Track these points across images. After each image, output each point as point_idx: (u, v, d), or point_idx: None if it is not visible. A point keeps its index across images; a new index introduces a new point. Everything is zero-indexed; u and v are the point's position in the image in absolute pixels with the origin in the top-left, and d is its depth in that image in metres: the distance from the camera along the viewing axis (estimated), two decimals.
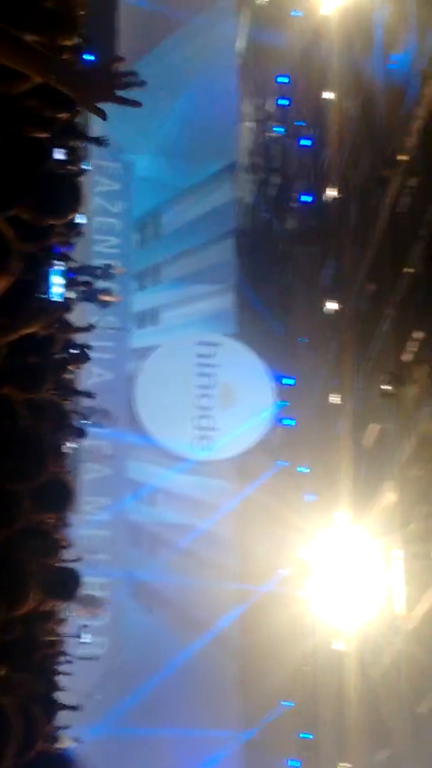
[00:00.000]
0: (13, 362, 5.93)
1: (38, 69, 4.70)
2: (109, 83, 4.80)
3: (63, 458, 13.06)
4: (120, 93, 4.88)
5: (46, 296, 6.52)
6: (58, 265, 6.32)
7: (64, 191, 6.12)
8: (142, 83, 5.19)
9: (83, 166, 19.48)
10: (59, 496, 7.97)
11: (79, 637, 24.56)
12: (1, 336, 4.74)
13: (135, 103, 4.97)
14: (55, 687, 13.60)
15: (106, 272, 31.59)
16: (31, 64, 4.71)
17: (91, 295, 30.92)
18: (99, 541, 32.60)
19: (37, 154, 6.97)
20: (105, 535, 33.01)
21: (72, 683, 21.71)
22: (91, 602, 31.46)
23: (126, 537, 34.07)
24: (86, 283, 29.46)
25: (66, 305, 13.80)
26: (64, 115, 8.07)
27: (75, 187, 6.32)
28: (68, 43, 13.72)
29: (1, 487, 5.25)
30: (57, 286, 6.26)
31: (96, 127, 31.38)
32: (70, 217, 6.33)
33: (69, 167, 11.43)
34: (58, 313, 6.83)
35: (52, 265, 6.40)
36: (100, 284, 31.62)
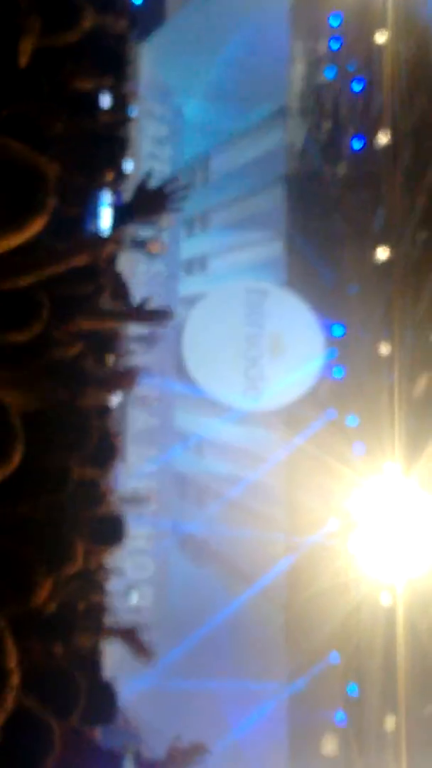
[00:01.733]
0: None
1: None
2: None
3: (109, 414, 12.91)
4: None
5: (94, 229, 6.39)
6: (108, 199, 6.20)
7: (101, 153, 5.96)
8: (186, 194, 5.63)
9: (129, 114, 19.10)
10: (103, 454, 8.00)
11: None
12: (47, 267, 4.54)
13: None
14: (100, 638, 13.53)
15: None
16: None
17: (139, 245, 30.89)
18: (145, 492, 32.58)
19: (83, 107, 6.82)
20: (151, 486, 32.96)
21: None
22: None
23: (173, 488, 34.00)
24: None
25: (115, 239, 13.60)
26: (108, 80, 7.88)
27: (108, 150, 6.13)
28: None
29: (47, 460, 5.12)
30: (106, 220, 6.18)
31: (145, 70, 31.30)
32: (100, 179, 6.11)
33: (114, 115, 11.15)
34: (106, 246, 6.66)
35: (101, 199, 6.23)
36: (148, 233, 31.55)
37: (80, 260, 5.20)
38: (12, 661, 3.37)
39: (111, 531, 8.22)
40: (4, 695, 3.30)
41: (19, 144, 3.18)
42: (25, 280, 4.21)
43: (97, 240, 6.28)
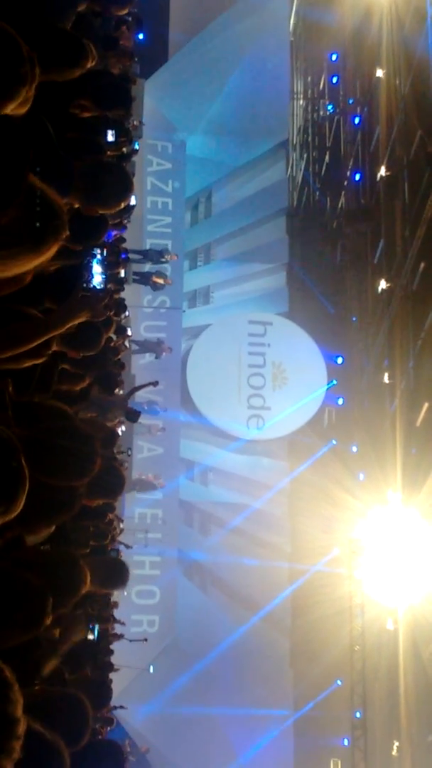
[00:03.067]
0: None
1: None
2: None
3: (114, 442, 13.17)
4: None
5: (89, 286, 6.65)
6: (98, 254, 6.46)
7: (114, 181, 6.18)
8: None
9: (133, 147, 19.54)
10: (110, 482, 8.09)
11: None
12: (51, 331, 4.81)
13: None
14: (109, 669, 13.74)
15: (159, 258, 31.82)
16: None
17: (144, 278, 31.18)
18: (151, 520, 32.75)
19: (89, 143, 7.09)
20: (157, 514, 33.11)
21: (125, 661, 21.90)
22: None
23: (178, 516, 34.15)
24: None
25: (113, 291, 13.88)
26: (116, 113, 8.19)
27: (124, 177, 6.37)
28: (122, 13, 13.88)
29: (52, 482, 5.33)
30: (98, 275, 6.39)
31: (149, 106, 31.66)
32: (119, 207, 6.39)
33: (118, 150, 11.49)
34: (103, 303, 6.94)
35: (94, 254, 6.50)
36: (153, 267, 31.88)
37: (81, 318, 5.46)
38: (18, 710, 3.32)
39: (117, 576, 8.32)
40: (11, 744, 3.27)
41: (36, 179, 3.43)
42: (30, 346, 4.39)
43: (96, 297, 6.47)
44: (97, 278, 6.53)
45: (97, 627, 11.80)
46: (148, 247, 32.89)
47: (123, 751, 6.50)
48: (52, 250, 3.48)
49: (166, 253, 31.89)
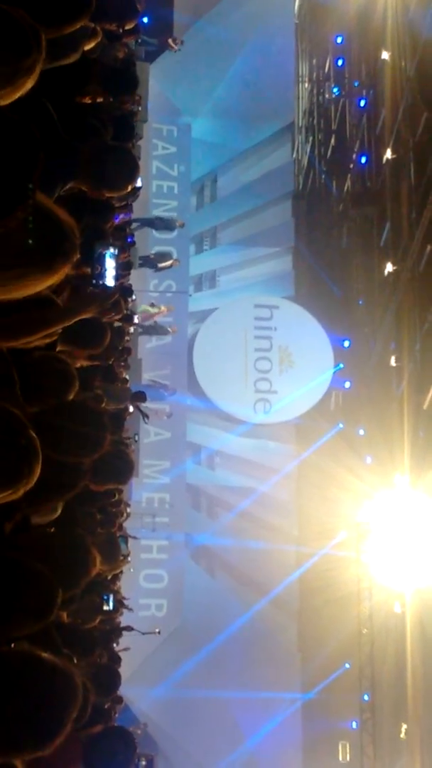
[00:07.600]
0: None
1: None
2: None
3: (122, 426, 13.17)
4: None
5: (101, 281, 6.62)
6: (112, 249, 6.44)
7: (120, 164, 6.16)
8: None
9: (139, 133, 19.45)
10: (119, 467, 8.09)
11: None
12: (57, 323, 4.80)
13: None
14: (118, 657, 13.74)
15: (168, 225, 31.86)
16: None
17: (150, 263, 31.17)
18: (159, 504, 32.76)
19: (92, 126, 7.07)
20: (164, 498, 33.11)
21: (133, 644, 21.94)
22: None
23: (185, 500, 34.13)
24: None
25: (122, 290, 13.89)
26: (126, 104, 8.18)
27: (130, 159, 6.35)
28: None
29: (62, 459, 5.32)
30: (111, 270, 6.41)
31: (154, 90, 31.56)
32: (126, 190, 6.37)
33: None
34: (112, 299, 6.94)
35: (107, 248, 6.48)
36: (159, 250, 31.91)
37: (88, 314, 5.46)
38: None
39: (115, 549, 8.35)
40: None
41: (46, 198, 3.40)
42: (36, 338, 4.39)
43: (104, 294, 6.47)
44: (110, 273, 6.49)
45: (111, 597, 11.80)
46: (154, 234, 32.97)
47: (134, 738, 6.54)
48: (63, 272, 3.47)
49: (174, 222, 32.02)
